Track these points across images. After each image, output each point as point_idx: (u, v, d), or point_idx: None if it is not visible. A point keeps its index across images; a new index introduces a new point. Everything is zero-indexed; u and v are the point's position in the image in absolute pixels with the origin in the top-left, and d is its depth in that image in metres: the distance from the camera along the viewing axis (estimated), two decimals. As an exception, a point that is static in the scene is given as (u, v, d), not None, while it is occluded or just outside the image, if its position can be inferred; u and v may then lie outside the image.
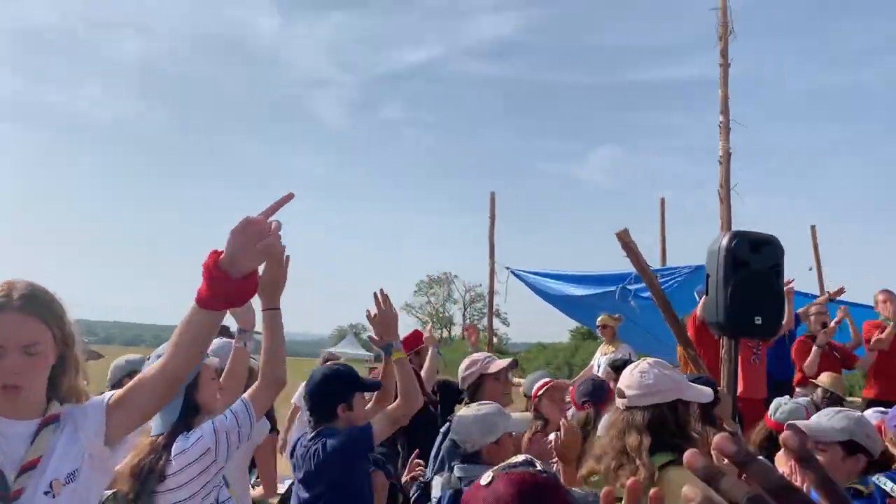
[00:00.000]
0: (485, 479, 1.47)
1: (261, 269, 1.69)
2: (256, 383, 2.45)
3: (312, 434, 2.83)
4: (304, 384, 6.88)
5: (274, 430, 4.58)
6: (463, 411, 3.06)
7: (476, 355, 3.89)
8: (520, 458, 1.57)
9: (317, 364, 6.93)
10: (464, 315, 59.19)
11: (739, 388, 5.43)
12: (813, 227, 12.23)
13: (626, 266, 7.02)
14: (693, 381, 2.52)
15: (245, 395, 2.45)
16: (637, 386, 2.23)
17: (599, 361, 7.47)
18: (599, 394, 3.15)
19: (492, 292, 11.12)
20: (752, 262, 4.88)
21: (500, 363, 3.64)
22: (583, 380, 3.38)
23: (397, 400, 2.91)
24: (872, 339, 6.37)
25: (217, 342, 3.72)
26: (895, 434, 2.93)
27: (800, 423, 2.58)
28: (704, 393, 2.30)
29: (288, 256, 2.45)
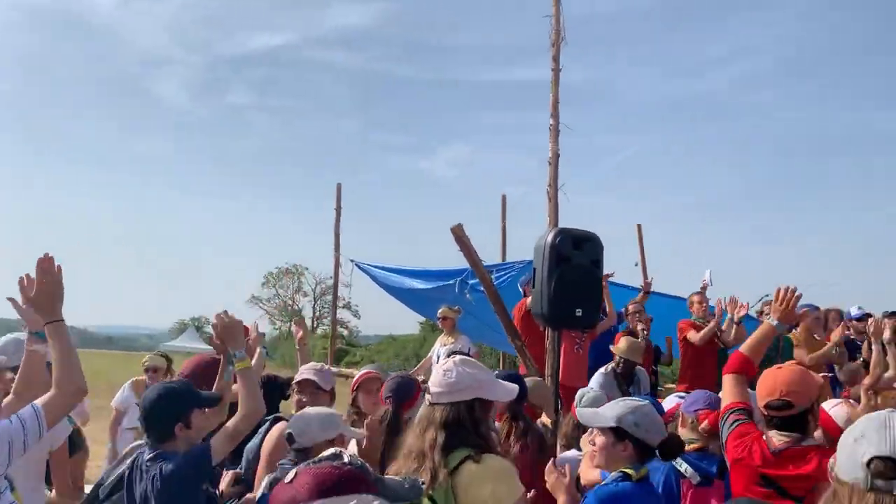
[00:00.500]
0: (290, 476, 1.45)
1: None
2: (51, 391, 2.39)
3: (150, 455, 2.69)
4: (129, 385, 6.47)
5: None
6: (306, 410, 3.09)
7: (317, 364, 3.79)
8: (328, 452, 1.55)
9: (149, 357, 6.55)
10: (314, 308, 58.24)
11: (561, 377, 5.75)
12: (639, 226, 13.23)
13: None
14: (504, 378, 2.63)
15: (38, 401, 2.37)
16: (439, 384, 2.28)
17: (439, 352, 7.65)
18: (403, 391, 3.20)
19: (336, 284, 11.03)
20: (574, 258, 5.18)
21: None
22: (393, 376, 3.41)
23: (238, 414, 2.80)
24: (688, 335, 6.79)
25: (7, 338, 3.42)
26: (692, 418, 3.22)
27: (585, 409, 2.76)
28: (507, 391, 2.38)
29: (59, 266, 2.46)
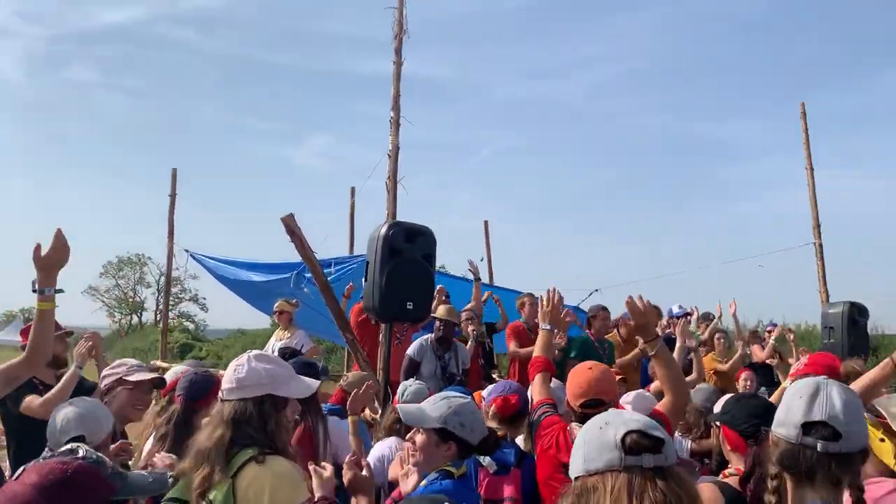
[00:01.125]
0: (18, 472, 1.46)
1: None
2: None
3: None
4: None
5: None
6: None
7: (127, 360, 3.63)
8: (69, 446, 1.60)
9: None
10: (157, 300, 54.86)
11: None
12: (486, 222, 13.59)
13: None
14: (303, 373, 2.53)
15: None
16: (230, 379, 2.20)
17: (274, 347, 7.39)
18: (195, 389, 3.04)
19: (169, 275, 10.45)
20: (407, 251, 5.19)
21: (144, 376, 3.36)
22: (188, 373, 3.22)
23: (21, 356, 2.70)
24: (510, 348, 6.56)
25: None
26: (488, 407, 3.29)
27: (409, 406, 2.72)
28: (304, 388, 2.31)
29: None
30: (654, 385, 4.40)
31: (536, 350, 3.22)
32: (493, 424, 3.07)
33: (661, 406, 2.91)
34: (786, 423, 1.80)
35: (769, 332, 8.74)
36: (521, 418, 3.22)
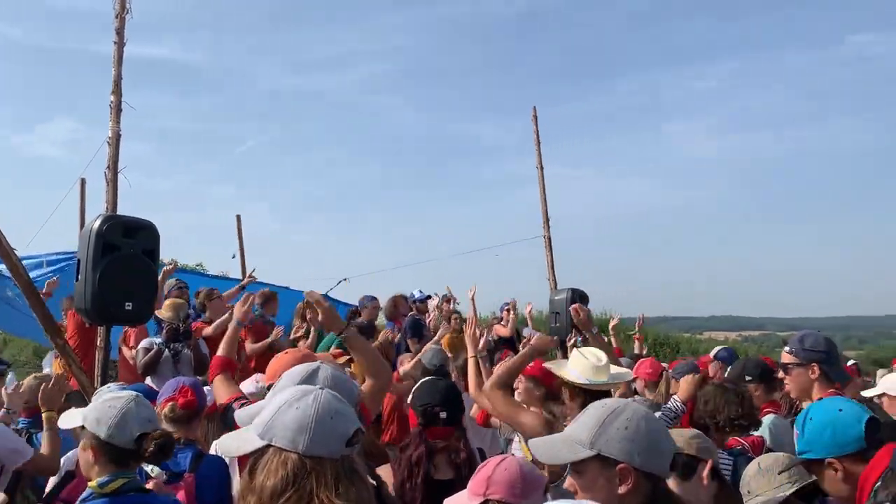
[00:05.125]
0: None
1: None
2: None
3: None
4: None
5: None
6: None
7: None
8: None
9: None
10: None
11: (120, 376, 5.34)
12: (238, 217, 13.09)
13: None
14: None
15: None
16: None
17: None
18: None
19: None
20: (125, 247, 4.82)
21: None
22: None
23: None
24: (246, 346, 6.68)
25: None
26: (160, 409, 3.17)
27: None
28: None
29: None
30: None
31: (221, 349, 3.20)
32: (169, 427, 2.87)
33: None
34: None
35: (506, 310, 9.68)
36: (197, 418, 3.07)
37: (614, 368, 3.34)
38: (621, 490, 1.65)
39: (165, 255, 11.12)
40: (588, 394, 3.13)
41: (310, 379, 1.98)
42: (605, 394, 3.19)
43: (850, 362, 8.29)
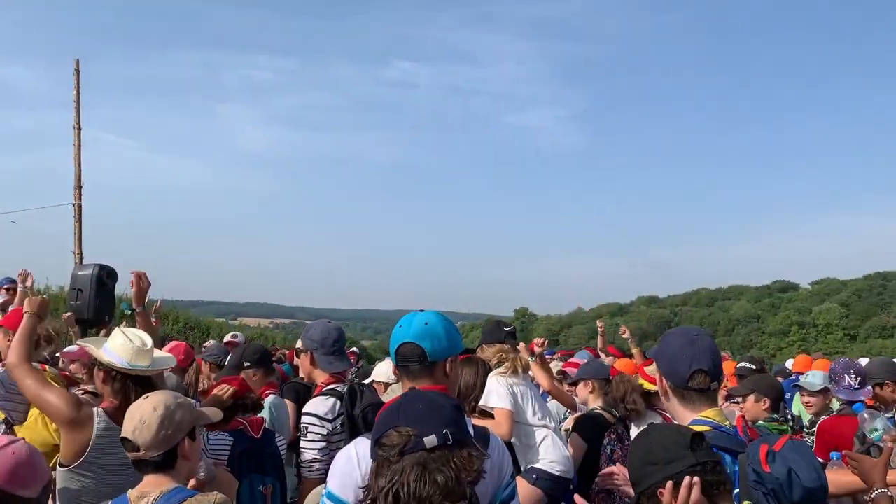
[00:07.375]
0: None
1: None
2: None
3: None
4: None
5: None
6: None
7: None
8: None
9: None
10: None
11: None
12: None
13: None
14: None
15: None
16: None
17: None
18: None
19: None
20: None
21: None
22: None
23: None
24: None
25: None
26: None
27: None
28: None
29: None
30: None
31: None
32: None
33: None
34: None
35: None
36: None
37: (157, 353, 2.97)
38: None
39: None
40: (128, 378, 2.75)
41: None
42: (145, 379, 2.79)
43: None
